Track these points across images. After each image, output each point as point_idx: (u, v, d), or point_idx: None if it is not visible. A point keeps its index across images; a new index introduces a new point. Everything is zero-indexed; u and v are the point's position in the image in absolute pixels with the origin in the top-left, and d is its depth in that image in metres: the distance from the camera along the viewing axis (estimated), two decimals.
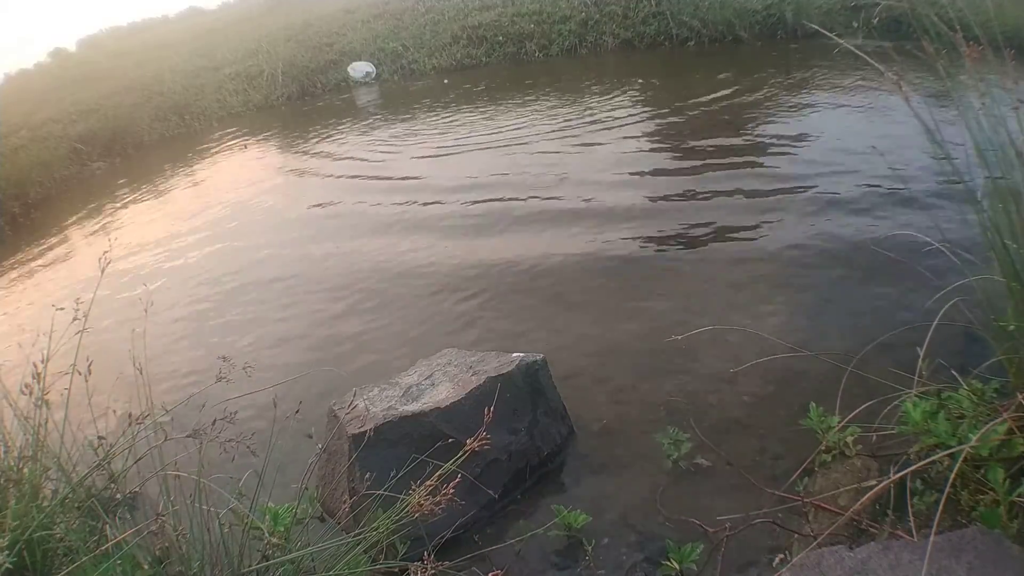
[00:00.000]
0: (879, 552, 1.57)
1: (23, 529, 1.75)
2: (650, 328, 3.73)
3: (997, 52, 1.87)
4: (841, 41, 2.03)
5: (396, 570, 2.01)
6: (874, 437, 2.19)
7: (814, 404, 2.43)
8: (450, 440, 2.39)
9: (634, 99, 9.26)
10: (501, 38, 14.63)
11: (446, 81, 13.65)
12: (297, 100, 15.38)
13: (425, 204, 6.65)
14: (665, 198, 5.54)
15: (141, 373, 2.04)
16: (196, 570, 1.80)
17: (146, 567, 1.76)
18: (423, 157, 8.44)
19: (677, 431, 2.71)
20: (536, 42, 13.99)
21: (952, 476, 1.63)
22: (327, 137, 10.86)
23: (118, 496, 2.09)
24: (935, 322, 2.02)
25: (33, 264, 8.24)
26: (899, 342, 2.49)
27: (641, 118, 8.19)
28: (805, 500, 2.13)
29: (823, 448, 2.30)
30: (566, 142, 7.72)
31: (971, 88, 1.94)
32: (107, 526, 1.89)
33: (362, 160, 9.05)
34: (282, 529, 2.15)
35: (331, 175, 8.70)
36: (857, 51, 2.01)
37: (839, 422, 2.29)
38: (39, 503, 1.96)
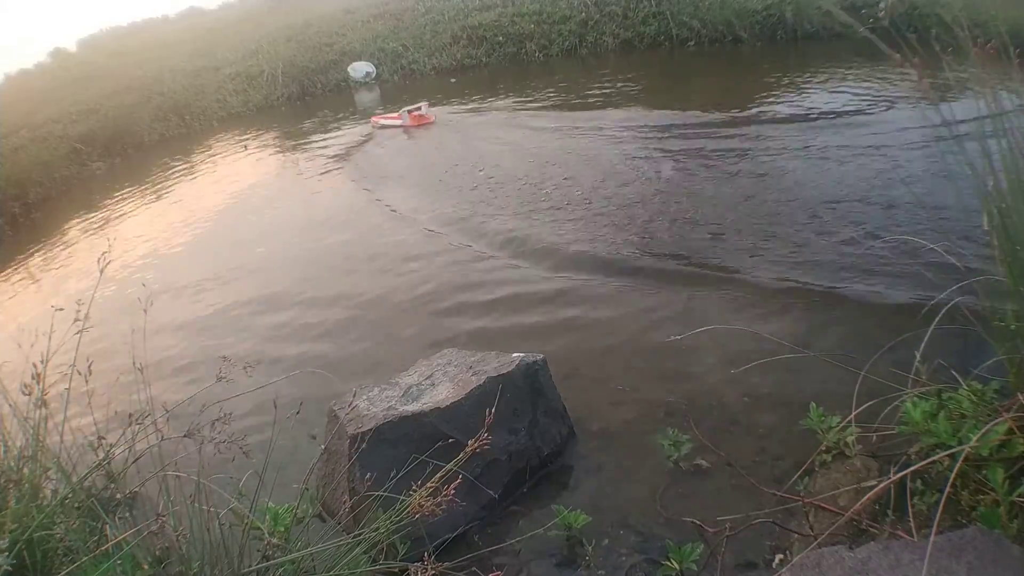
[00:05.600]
0: (879, 552, 1.56)
1: (23, 529, 1.75)
2: (651, 328, 3.73)
3: (1004, 51, 1.87)
4: (863, 30, 2.01)
5: (396, 570, 2.01)
6: (874, 437, 2.19)
7: (814, 404, 2.43)
8: (450, 440, 2.39)
9: (636, 100, 9.26)
10: (501, 38, 14.63)
11: (452, 80, 13.64)
12: (297, 100, 15.38)
13: None
14: (669, 203, 5.54)
15: (141, 373, 2.04)
16: (196, 570, 1.80)
17: (146, 567, 1.75)
18: None
19: (677, 431, 2.71)
20: (536, 42, 13.99)
21: (952, 476, 1.62)
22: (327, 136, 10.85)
23: (118, 496, 2.09)
24: (934, 322, 2.02)
25: (33, 264, 8.24)
26: (899, 342, 2.49)
27: (640, 117, 8.19)
28: (805, 500, 2.12)
29: (823, 448, 2.30)
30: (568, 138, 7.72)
31: (978, 87, 1.93)
32: (107, 526, 1.89)
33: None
34: (282, 529, 2.15)
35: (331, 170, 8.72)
36: (879, 42, 1.99)
37: (839, 422, 2.29)
38: (39, 503, 1.96)
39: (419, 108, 10.24)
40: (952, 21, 1.83)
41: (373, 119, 11.12)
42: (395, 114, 10.58)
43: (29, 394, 1.97)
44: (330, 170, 8.99)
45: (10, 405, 2.16)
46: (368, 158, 9.15)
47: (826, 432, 2.32)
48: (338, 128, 11.49)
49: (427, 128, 9.91)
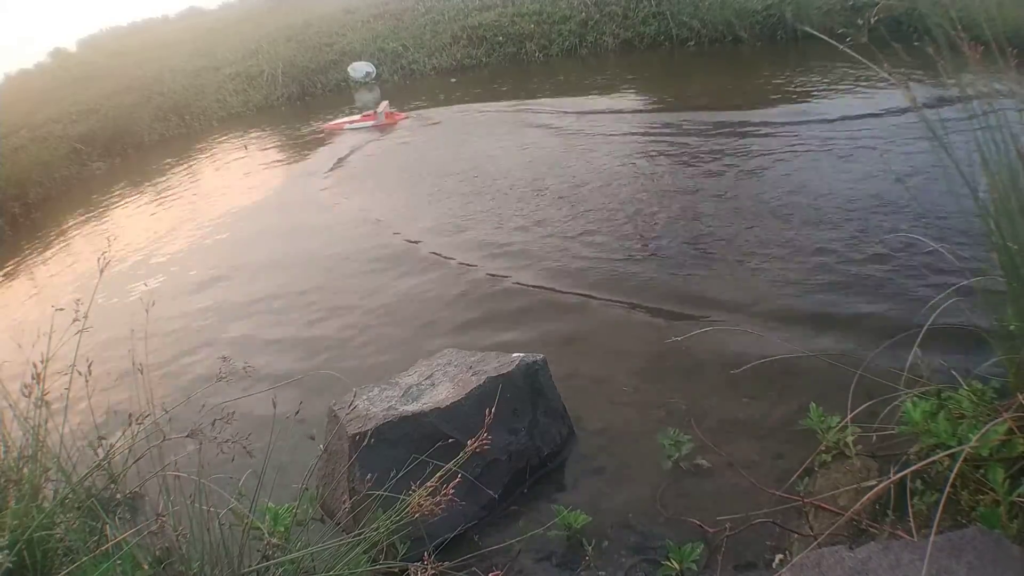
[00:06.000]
0: (879, 552, 1.56)
1: (23, 529, 1.75)
2: (650, 328, 3.73)
3: (1001, 52, 1.87)
4: (842, 47, 2.03)
5: (396, 570, 2.01)
6: (874, 437, 2.19)
7: (814, 404, 2.43)
8: (450, 440, 2.39)
9: (634, 95, 9.27)
10: (501, 38, 14.64)
11: (453, 80, 13.64)
12: (297, 100, 15.38)
13: None
14: (670, 203, 5.54)
15: (141, 373, 2.04)
16: (196, 570, 1.80)
17: (146, 567, 1.75)
18: None
19: (677, 431, 2.71)
20: (536, 42, 13.99)
21: (952, 476, 1.62)
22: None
23: (118, 496, 2.09)
24: (929, 321, 2.02)
25: (33, 264, 8.24)
26: (899, 342, 2.49)
27: (640, 114, 8.20)
28: (805, 500, 2.12)
29: (823, 448, 2.30)
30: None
31: (974, 88, 1.94)
32: (107, 526, 1.89)
33: None
34: (282, 529, 2.15)
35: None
36: (861, 58, 2.01)
37: (839, 422, 2.29)
38: (39, 503, 1.96)
39: (383, 107, 10.44)
40: (950, 22, 1.83)
41: (327, 126, 11.02)
42: (358, 116, 10.70)
43: (29, 394, 1.97)
44: (327, 171, 8.99)
45: (10, 405, 2.16)
46: (363, 157, 9.16)
47: (826, 432, 2.33)
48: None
49: (431, 129, 9.91)
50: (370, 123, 10.40)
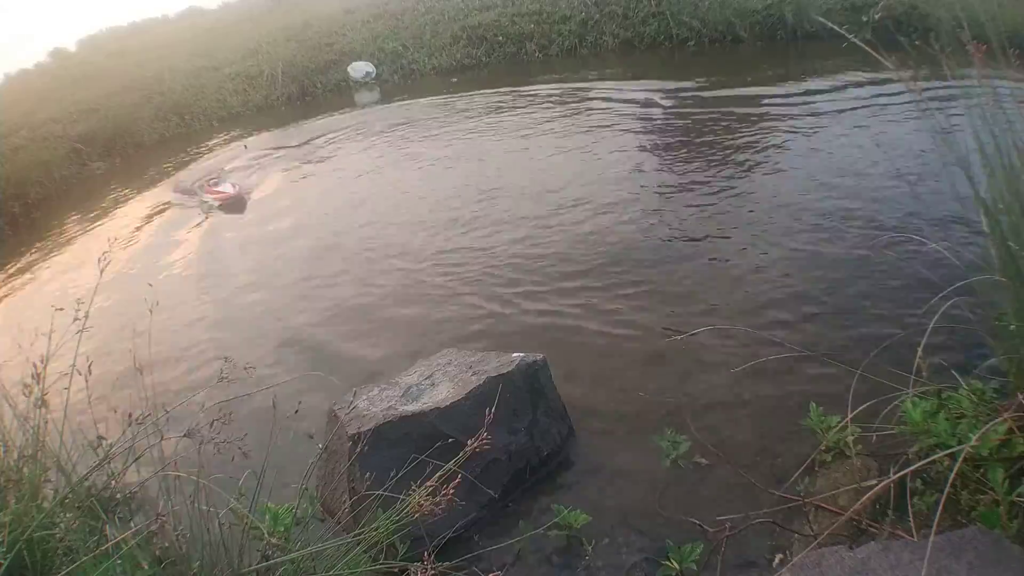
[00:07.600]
0: (879, 552, 1.57)
1: (23, 529, 1.75)
2: (650, 328, 3.73)
3: (1002, 51, 1.87)
4: (851, 38, 2.03)
5: (396, 570, 2.01)
6: (874, 437, 2.19)
7: (814, 404, 2.43)
8: (450, 440, 2.39)
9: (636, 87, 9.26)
10: (501, 38, 14.62)
11: (454, 80, 13.63)
12: (297, 100, 15.38)
13: None
14: (668, 199, 5.54)
15: (141, 373, 2.04)
16: (196, 570, 1.80)
17: (146, 567, 1.75)
18: None
19: (675, 432, 2.71)
20: (536, 42, 13.98)
21: (952, 476, 1.62)
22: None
23: (118, 496, 2.09)
24: (932, 322, 2.02)
25: (33, 264, 8.24)
26: (899, 342, 2.49)
27: (642, 110, 8.19)
28: (805, 500, 2.13)
29: (823, 448, 2.30)
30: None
31: (976, 87, 1.94)
32: (107, 526, 1.89)
33: None
34: (282, 529, 2.15)
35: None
36: (871, 50, 2.01)
37: (839, 422, 2.29)
38: (39, 503, 1.96)
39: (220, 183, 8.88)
40: (952, 21, 1.83)
41: (208, 193, 8.75)
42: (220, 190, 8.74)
43: (29, 394, 1.97)
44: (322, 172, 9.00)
45: (10, 405, 2.16)
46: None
47: (826, 432, 2.33)
48: (332, 129, 11.46)
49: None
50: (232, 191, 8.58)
